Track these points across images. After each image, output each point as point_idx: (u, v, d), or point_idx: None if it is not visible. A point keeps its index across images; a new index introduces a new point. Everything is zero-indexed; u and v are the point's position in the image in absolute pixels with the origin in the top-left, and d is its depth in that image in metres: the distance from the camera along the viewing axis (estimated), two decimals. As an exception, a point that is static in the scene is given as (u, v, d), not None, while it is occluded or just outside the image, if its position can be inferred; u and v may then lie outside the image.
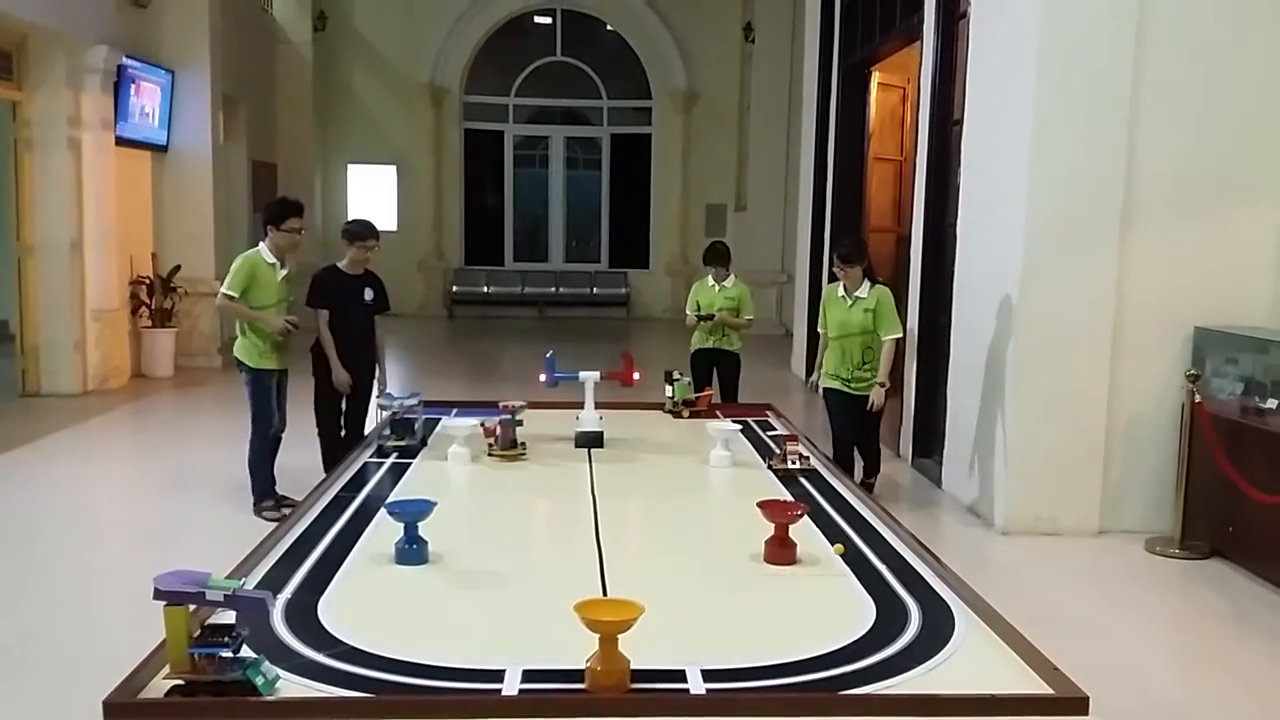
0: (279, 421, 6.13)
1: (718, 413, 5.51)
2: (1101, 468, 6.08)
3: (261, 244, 6.04)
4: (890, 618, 2.71)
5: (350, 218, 6.89)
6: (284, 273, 6.04)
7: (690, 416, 5.40)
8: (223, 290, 6.00)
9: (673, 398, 5.51)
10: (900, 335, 6.20)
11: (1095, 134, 5.90)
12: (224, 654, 2.21)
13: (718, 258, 7.50)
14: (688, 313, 7.58)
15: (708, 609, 2.85)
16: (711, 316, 7.37)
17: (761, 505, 3.20)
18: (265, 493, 6.13)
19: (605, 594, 2.78)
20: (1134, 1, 5.84)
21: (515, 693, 2.26)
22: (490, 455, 4.37)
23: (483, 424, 4.42)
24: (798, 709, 2.23)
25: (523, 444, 4.46)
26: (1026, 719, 2.22)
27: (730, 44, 17.24)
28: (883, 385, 6.11)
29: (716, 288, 7.47)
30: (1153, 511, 6.04)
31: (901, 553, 3.27)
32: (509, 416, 4.47)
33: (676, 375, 5.62)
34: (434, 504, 3.17)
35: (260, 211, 6.10)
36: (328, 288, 6.21)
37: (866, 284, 6.25)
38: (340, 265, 6.29)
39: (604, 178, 18.63)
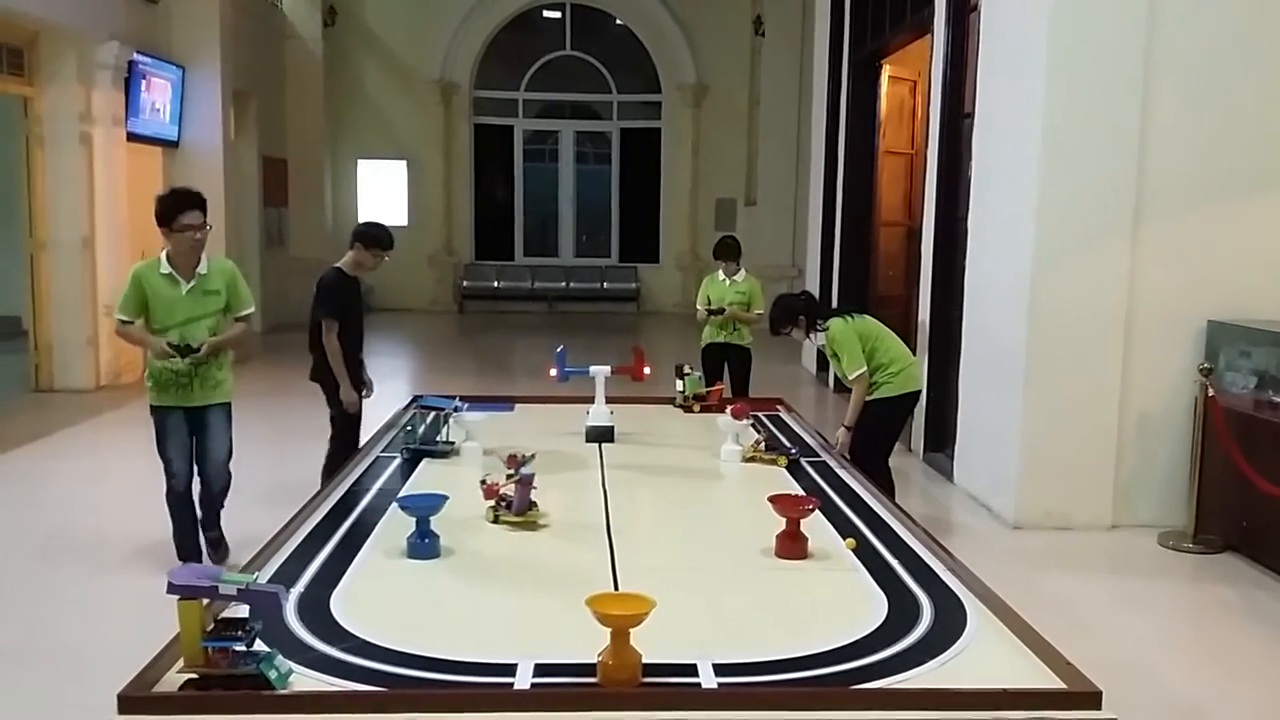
0: (186, 471, 4.99)
1: (728, 407, 5.50)
2: (1114, 462, 6.06)
3: (164, 251, 4.82)
4: (902, 612, 2.70)
5: (367, 219, 5.87)
6: (190, 285, 4.77)
7: (700, 411, 5.39)
8: (115, 315, 4.89)
9: (683, 392, 5.50)
10: (862, 371, 5.40)
11: (1107, 127, 5.87)
12: (237, 648, 2.22)
13: (728, 252, 7.51)
14: (698, 307, 7.59)
15: (719, 603, 2.84)
16: (721, 310, 7.37)
17: (773, 499, 3.20)
18: (184, 555, 4.97)
19: (617, 588, 2.78)
20: (1146, -7, 5.82)
21: (527, 686, 2.26)
22: (498, 522, 3.37)
23: (484, 482, 3.45)
24: (809, 703, 2.22)
25: (533, 504, 3.43)
26: (1039, 713, 2.21)
27: (740, 37, 17.21)
28: (847, 428, 5.40)
29: (727, 282, 7.48)
30: (1166, 506, 6.02)
31: (913, 547, 3.26)
32: (522, 472, 3.43)
33: (687, 370, 5.61)
34: (446, 498, 3.18)
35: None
36: (340, 296, 5.58)
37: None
38: (344, 268, 5.66)
39: (614, 172, 18.61)
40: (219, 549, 5.15)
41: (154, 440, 4.95)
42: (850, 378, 5.42)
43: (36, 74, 9.40)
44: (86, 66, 9.55)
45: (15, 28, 8.96)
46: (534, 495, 3.43)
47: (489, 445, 4.37)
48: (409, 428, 4.48)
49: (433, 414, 4.51)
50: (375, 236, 5.65)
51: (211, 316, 4.85)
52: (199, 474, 5.09)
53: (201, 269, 4.81)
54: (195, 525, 5.11)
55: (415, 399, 5.24)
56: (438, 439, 4.41)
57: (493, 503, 3.41)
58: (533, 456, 3.63)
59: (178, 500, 5.01)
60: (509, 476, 3.43)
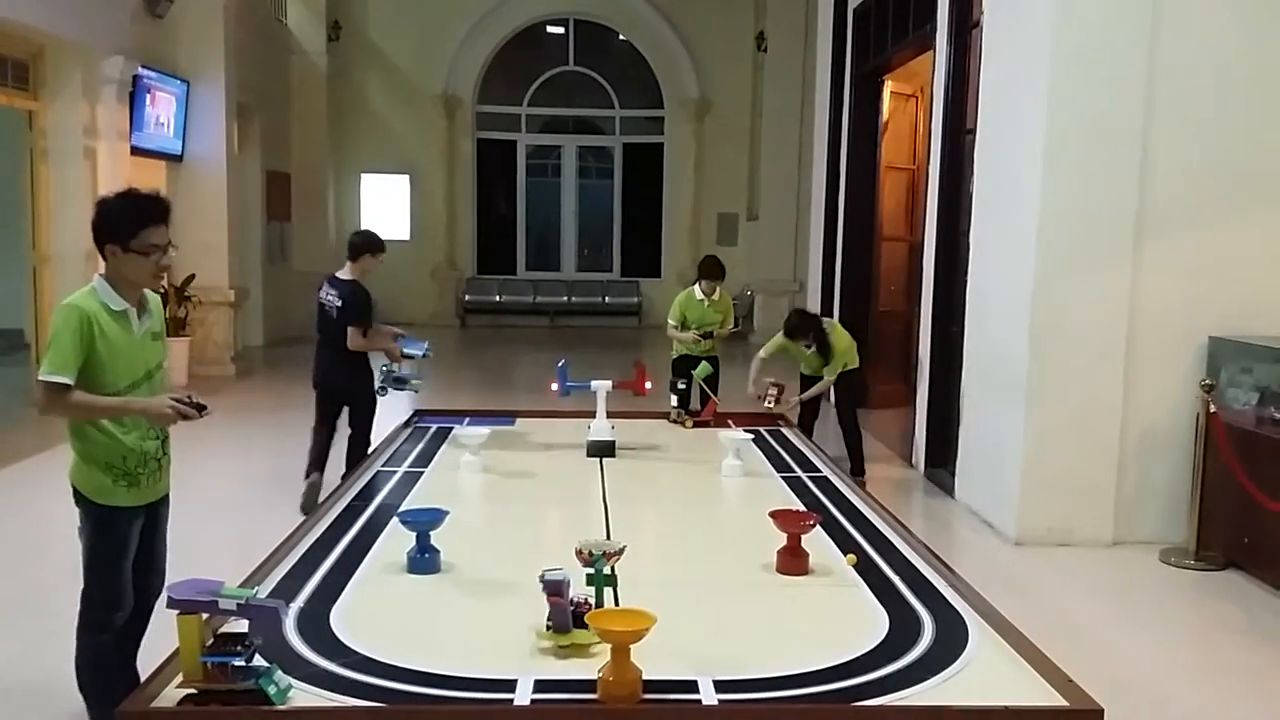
0: (127, 602, 3.32)
1: (729, 422, 5.50)
2: (1116, 478, 6.05)
3: (96, 278, 3.26)
4: (903, 628, 2.70)
5: (357, 230, 6.57)
6: (146, 326, 3.31)
7: (694, 426, 5.39)
8: (43, 377, 3.13)
9: (677, 407, 5.51)
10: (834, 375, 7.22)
11: (1109, 142, 5.89)
12: (237, 663, 2.22)
13: (717, 271, 7.50)
14: (670, 323, 7.57)
15: (720, 619, 2.84)
16: (711, 334, 7.39)
17: (774, 515, 3.20)
18: None
19: (617, 604, 2.77)
20: (1147, 9, 5.83)
21: (527, 703, 2.26)
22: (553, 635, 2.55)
23: (542, 579, 2.58)
24: (810, 720, 2.22)
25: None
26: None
27: (742, 53, 17.27)
28: (800, 399, 7.29)
29: (706, 302, 7.47)
30: (1167, 522, 6.01)
31: (914, 563, 3.26)
32: (548, 578, 2.56)
33: (680, 385, 5.65)
34: (446, 513, 3.18)
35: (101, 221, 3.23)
36: (370, 305, 6.10)
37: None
38: (358, 280, 6.09)
39: (616, 187, 18.65)
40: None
41: (91, 558, 3.28)
42: (831, 378, 7.20)
43: (41, 88, 9.43)
44: (91, 81, 9.58)
45: (20, 42, 8.99)
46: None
47: (490, 461, 4.38)
48: (386, 368, 5.84)
49: (412, 357, 5.96)
50: (379, 242, 6.22)
51: (163, 370, 3.41)
52: (141, 590, 3.42)
53: (149, 304, 3.38)
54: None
55: (415, 414, 5.34)
56: (412, 379, 5.88)
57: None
58: (620, 551, 2.74)
59: (117, 645, 3.32)
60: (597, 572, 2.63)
